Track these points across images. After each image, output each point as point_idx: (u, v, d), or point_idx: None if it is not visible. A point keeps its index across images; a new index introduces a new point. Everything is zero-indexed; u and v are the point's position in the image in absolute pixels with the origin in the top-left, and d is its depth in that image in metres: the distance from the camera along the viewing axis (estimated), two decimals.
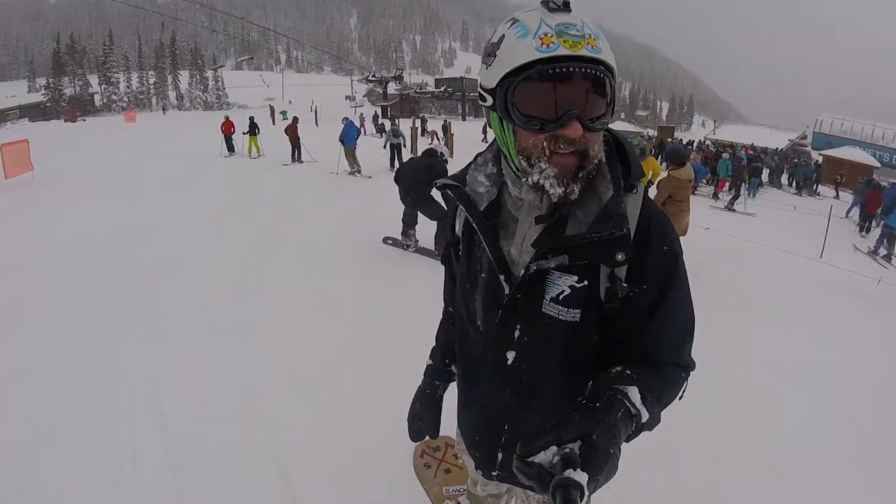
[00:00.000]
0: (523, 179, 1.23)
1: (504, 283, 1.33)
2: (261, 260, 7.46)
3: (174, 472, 3.22)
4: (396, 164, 16.98)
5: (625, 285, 1.22)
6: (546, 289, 1.28)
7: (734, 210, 17.48)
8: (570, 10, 1.10)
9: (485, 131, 38.77)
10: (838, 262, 10.25)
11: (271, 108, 56.17)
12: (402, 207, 7.96)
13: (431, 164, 7.71)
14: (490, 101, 1.20)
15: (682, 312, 1.30)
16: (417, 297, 5.63)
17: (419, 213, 7.88)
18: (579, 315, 1.27)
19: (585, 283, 1.25)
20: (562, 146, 1.13)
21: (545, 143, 1.14)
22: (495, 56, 1.15)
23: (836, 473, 3.72)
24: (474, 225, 1.35)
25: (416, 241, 8.09)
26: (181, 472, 3.22)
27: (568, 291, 1.26)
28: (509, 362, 1.38)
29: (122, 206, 10.93)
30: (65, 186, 13.34)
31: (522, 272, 1.27)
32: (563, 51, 1.06)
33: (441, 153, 8.18)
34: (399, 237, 8.19)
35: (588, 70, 1.08)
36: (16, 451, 3.39)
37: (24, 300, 5.89)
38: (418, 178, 7.48)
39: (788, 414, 4.38)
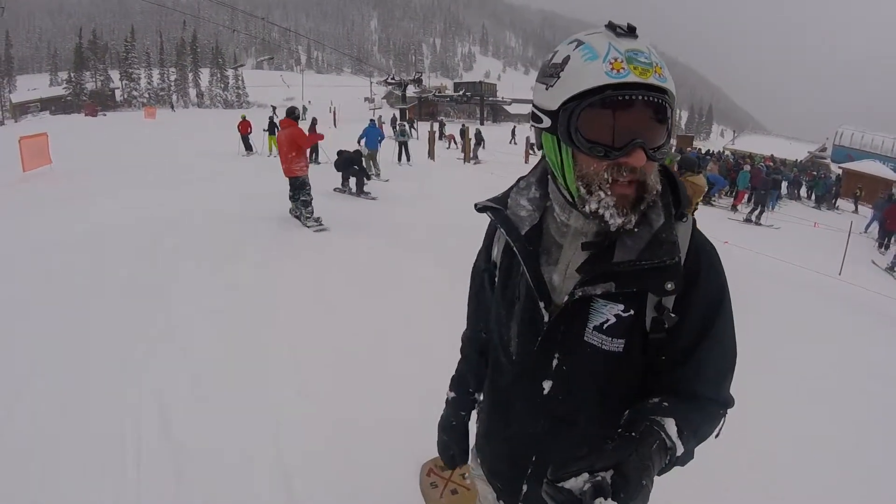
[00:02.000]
0: (580, 207, 1.18)
1: (543, 311, 1.28)
2: (273, 262, 7.47)
3: (178, 478, 3.19)
4: (404, 158, 21.49)
5: (672, 315, 1.18)
6: (589, 317, 1.23)
7: (760, 223, 17.31)
8: (636, 36, 1.08)
9: (513, 135, 38.97)
10: (857, 280, 10.15)
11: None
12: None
13: (350, 157, 13.46)
14: (547, 122, 1.16)
15: (725, 348, 1.26)
16: (427, 300, 5.60)
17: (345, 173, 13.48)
18: (623, 345, 1.22)
19: (631, 312, 1.20)
20: (624, 174, 1.10)
21: (606, 171, 1.11)
22: (559, 77, 1.12)
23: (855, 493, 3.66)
24: (514, 249, 1.31)
25: (350, 188, 13.54)
26: (184, 478, 3.20)
27: (613, 320, 1.21)
28: (545, 392, 1.33)
29: (137, 203, 10.96)
30: (82, 181, 13.45)
31: (566, 299, 1.23)
32: (633, 78, 1.04)
33: (360, 151, 14.93)
34: (341, 187, 13.67)
35: (653, 99, 1.06)
36: (22, 453, 3.38)
37: (35, 296, 5.89)
38: (345, 164, 13.33)
39: (807, 431, 4.31)
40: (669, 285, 1.13)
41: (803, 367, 5.51)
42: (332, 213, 10.23)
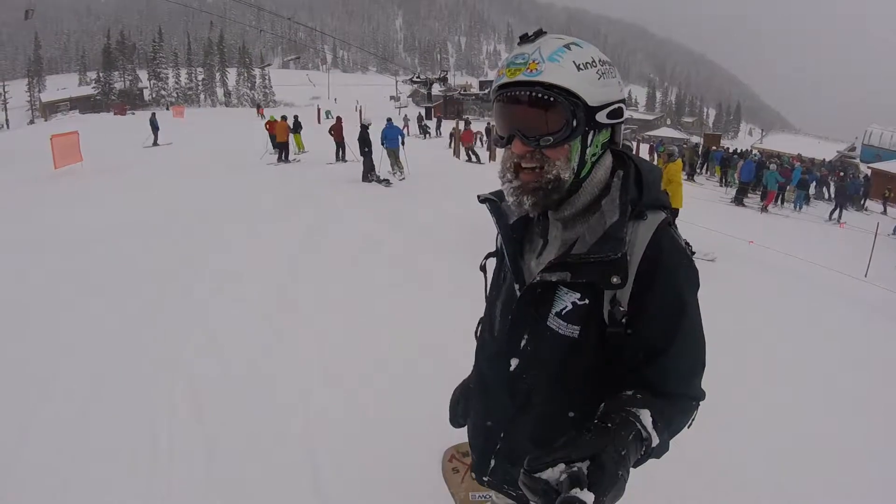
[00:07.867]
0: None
1: (517, 292, 1.41)
2: (303, 255, 7.62)
3: (207, 462, 3.30)
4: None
5: (622, 309, 1.23)
6: (554, 303, 1.33)
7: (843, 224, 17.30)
8: (533, 40, 1.23)
9: None
10: (884, 282, 10.01)
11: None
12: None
13: (363, 136, 14.71)
14: None
15: (693, 348, 1.30)
16: (461, 298, 5.64)
17: (368, 160, 14.87)
18: (578, 332, 1.30)
19: (587, 301, 1.28)
20: (519, 161, 1.28)
21: (510, 160, 1.30)
22: None
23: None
24: (501, 235, 1.48)
25: (377, 177, 14.74)
26: (214, 462, 3.30)
27: (570, 307, 1.30)
28: (511, 369, 1.43)
29: (166, 199, 11.22)
30: (112, 178, 13.74)
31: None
32: (504, 80, 1.22)
33: (368, 123, 15.29)
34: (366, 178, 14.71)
35: (523, 93, 1.21)
36: (55, 437, 3.50)
37: (69, 285, 6.11)
38: (362, 143, 14.71)
39: (816, 430, 4.25)
40: (615, 279, 1.20)
41: (822, 368, 5.47)
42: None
